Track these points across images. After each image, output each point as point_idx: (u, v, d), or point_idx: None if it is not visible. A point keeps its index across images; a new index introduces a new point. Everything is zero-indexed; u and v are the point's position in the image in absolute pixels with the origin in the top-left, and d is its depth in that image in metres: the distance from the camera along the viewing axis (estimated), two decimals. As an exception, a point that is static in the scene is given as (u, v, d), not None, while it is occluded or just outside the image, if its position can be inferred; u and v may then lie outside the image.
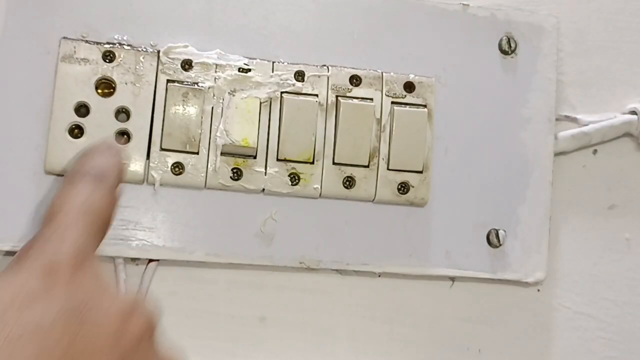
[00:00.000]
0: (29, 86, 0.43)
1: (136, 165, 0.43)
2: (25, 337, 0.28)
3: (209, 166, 0.44)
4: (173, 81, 0.43)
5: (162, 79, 0.43)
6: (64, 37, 0.43)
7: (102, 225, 0.36)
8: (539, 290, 0.50)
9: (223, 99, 0.44)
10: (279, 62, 0.45)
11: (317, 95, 0.45)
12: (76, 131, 0.43)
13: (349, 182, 0.45)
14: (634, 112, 0.51)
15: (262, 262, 0.45)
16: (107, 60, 0.43)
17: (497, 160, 0.48)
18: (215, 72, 0.44)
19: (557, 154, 0.50)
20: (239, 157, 0.44)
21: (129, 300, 0.33)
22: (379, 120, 0.45)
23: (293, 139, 0.44)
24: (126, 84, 0.43)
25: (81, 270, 0.32)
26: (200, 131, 0.43)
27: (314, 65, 0.46)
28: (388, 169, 0.46)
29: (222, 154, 0.44)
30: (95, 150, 0.39)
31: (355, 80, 0.46)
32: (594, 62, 0.52)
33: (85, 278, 0.32)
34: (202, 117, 0.43)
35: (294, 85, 0.45)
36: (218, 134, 0.44)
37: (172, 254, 0.44)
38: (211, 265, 0.45)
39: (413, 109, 0.46)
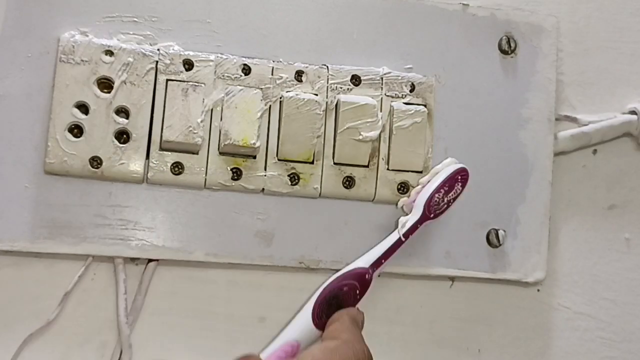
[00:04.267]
0: (28, 86, 0.43)
1: (136, 165, 0.43)
2: None
3: (208, 166, 0.44)
4: (173, 81, 0.43)
5: (162, 78, 0.43)
6: (63, 37, 0.43)
7: None
8: (538, 290, 0.50)
9: (223, 99, 0.44)
10: (278, 62, 0.45)
11: (317, 95, 0.45)
12: (75, 131, 0.43)
13: (348, 182, 0.45)
14: (633, 112, 0.51)
15: (261, 262, 0.45)
16: (107, 60, 0.43)
17: (497, 160, 0.48)
18: (215, 72, 0.44)
19: (556, 154, 0.50)
20: (238, 157, 0.44)
21: None
22: (379, 120, 0.45)
23: (293, 139, 0.44)
24: (125, 83, 0.43)
25: None
26: (200, 131, 0.43)
27: (313, 65, 0.46)
28: (388, 169, 0.46)
29: (221, 154, 0.44)
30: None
31: (355, 80, 0.46)
32: (594, 62, 0.52)
33: None
34: (202, 117, 0.43)
35: (294, 85, 0.45)
36: (218, 134, 0.43)
37: (171, 254, 0.44)
38: (211, 265, 0.45)
39: (413, 108, 0.46)
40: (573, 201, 0.51)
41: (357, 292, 0.41)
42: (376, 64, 0.47)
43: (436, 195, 0.43)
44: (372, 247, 0.43)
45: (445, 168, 0.44)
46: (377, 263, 0.42)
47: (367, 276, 0.41)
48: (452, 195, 0.43)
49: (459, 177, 0.43)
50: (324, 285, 0.41)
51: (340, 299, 0.41)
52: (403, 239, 0.42)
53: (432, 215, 0.43)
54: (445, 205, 0.43)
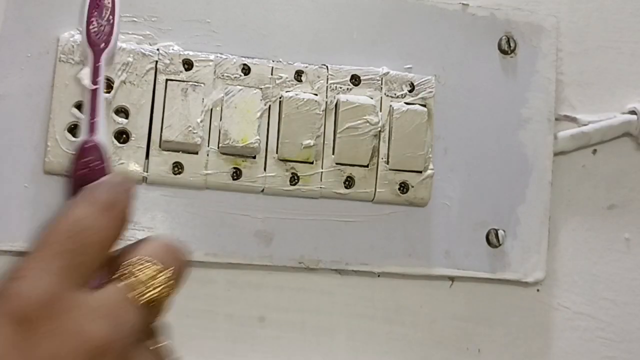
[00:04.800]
0: (28, 86, 0.43)
1: (135, 165, 0.43)
2: None
3: (208, 166, 0.44)
4: (172, 80, 0.43)
5: (161, 78, 0.43)
6: (63, 37, 0.43)
7: (95, 251, 0.29)
8: (538, 290, 0.49)
9: (223, 99, 0.44)
10: (278, 62, 0.45)
11: (316, 95, 0.45)
12: (75, 130, 0.42)
13: (348, 182, 0.45)
14: (633, 112, 0.51)
15: (261, 262, 0.45)
16: (106, 60, 0.43)
17: (497, 160, 0.48)
18: (215, 71, 0.44)
19: (556, 154, 0.50)
20: (238, 157, 0.44)
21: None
22: (379, 120, 0.45)
23: (293, 139, 0.44)
24: (125, 83, 0.43)
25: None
26: (199, 131, 0.43)
27: (313, 65, 0.46)
28: (388, 169, 0.46)
29: (221, 154, 0.44)
30: (105, 181, 0.33)
31: (354, 80, 0.46)
32: (593, 62, 0.51)
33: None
34: (201, 117, 0.43)
35: (293, 85, 0.45)
36: (217, 133, 0.43)
37: (171, 254, 0.44)
38: (210, 265, 0.45)
39: (413, 108, 0.46)
40: (573, 201, 0.51)
41: (96, 164, 0.37)
42: (376, 63, 0.47)
43: (90, 25, 0.39)
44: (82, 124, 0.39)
45: None
46: (92, 127, 0.38)
47: (87, 144, 0.37)
48: (106, 13, 0.39)
49: None
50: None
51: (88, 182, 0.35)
52: (94, 86, 0.39)
53: (102, 45, 0.39)
54: (108, 26, 0.40)
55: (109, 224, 0.30)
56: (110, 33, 0.40)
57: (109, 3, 0.39)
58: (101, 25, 0.40)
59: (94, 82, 0.39)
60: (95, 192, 0.31)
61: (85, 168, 0.36)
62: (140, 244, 0.31)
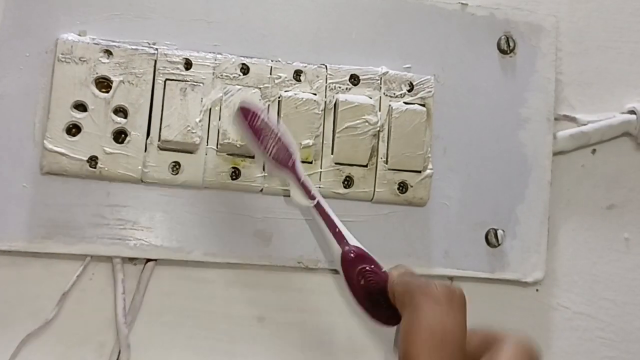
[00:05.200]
0: (26, 85, 0.43)
1: (134, 165, 0.43)
2: None
3: (207, 166, 0.44)
4: (171, 80, 0.43)
5: (160, 78, 0.43)
6: (62, 36, 0.43)
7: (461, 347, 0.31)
8: (537, 290, 0.49)
9: (221, 99, 0.44)
10: (277, 62, 0.45)
11: (315, 94, 0.45)
12: (74, 130, 0.42)
13: (347, 182, 0.45)
14: (632, 112, 0.51)
15: (260, 262, 0.45)
16: (105, 60, 0.43)
17: (496, 160, 0.48)
18: (214, 71, 0.44)
19: (555, 154, 0.50)
20: (237, 156, 0.44)
21: None
22: (378, 120, 0.45)
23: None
24: (124, 82, 0.43)
25: None
26: (198, 131, 0.43)
27: (312, 65, 0.46)
28: (387, 168, 0.46)
29: (220, 153, 0.44)
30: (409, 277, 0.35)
31: (353, 80, 0.46)
32: (593, 61, 0.51)
33: None
34: (200, 117, 0.43)
35: (292, 84, 0.45)
36: (216, 133, 0.43)
37: (170, 253, 0.44)
38: (209, 265, 0.45)
39: (412, 108, 0.46)
40: (572, 201, 0.51)
41: (372, 269, 0.39)
42: (375, 63, 0.47)
43: (270, 154, 0.39)
44: (326, 237, 0.40)
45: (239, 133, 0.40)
46: (339, 237, 0.40)
47: (351, 254, 0.39)
48: (268, 130, 0.39)
49: (252, 118, 0.39)
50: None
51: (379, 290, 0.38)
52: (313, 201, 0.40)
53: (290, 162, 0.40)
54: (280, 141, 0.39)
55: (458, 316, 0.32)
56: (285, 145, 0.39)
57: (262, 121, 0.39)
58: (274, 146, 0.39)
59: (310, 197, 0.40)
60: (427, 290, 0.32)
61: (362, 278, 0.38)
62: (499, 349, 0.32)
